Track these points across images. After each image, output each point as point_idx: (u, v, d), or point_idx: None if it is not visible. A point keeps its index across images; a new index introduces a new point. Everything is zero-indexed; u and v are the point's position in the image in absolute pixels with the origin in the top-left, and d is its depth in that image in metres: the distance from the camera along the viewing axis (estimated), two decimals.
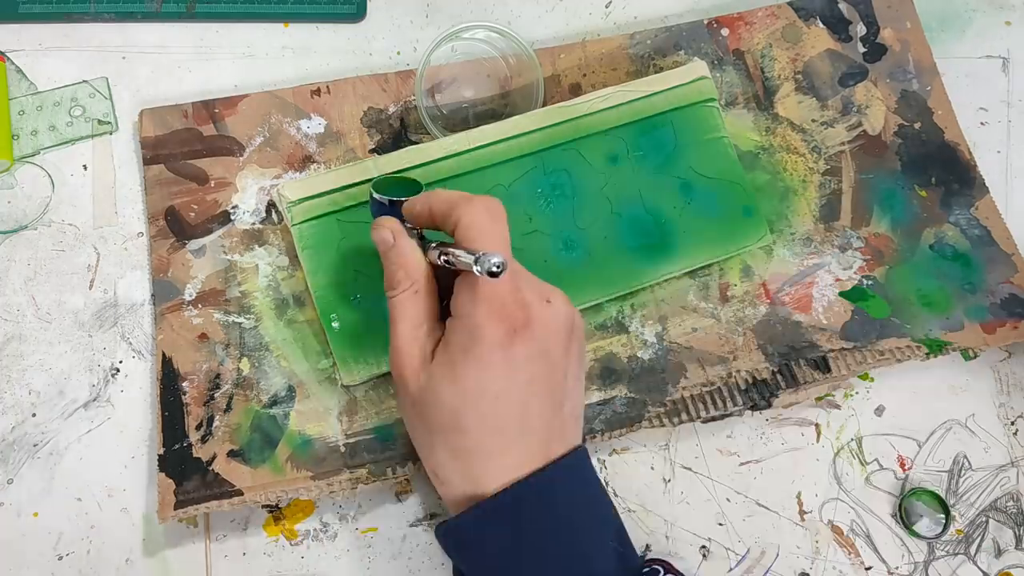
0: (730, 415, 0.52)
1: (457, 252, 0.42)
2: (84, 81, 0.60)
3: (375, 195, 0.48)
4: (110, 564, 0.50)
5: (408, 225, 0.47)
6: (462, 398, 0.41)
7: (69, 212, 0.57)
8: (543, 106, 0.56)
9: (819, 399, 0.54)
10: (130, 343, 0.54)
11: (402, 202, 0.47)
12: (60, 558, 0.50)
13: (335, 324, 0.52)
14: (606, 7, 0.64)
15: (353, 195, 0.53)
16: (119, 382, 0.53)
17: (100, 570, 0.50)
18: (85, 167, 0.58)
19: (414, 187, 0.49)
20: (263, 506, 0.51)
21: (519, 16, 0.63)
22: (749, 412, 0.53)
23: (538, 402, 0.43)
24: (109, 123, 0.59)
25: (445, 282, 0.45)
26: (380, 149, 0.57)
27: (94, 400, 0.53)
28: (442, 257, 0.43)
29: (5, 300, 0.55)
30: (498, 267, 0.39)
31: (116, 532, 0.51)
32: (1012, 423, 0.55)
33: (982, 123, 0.61)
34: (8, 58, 0.60)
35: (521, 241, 0.54)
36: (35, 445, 0.52)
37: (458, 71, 0.59)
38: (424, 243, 0.46)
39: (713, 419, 0.52)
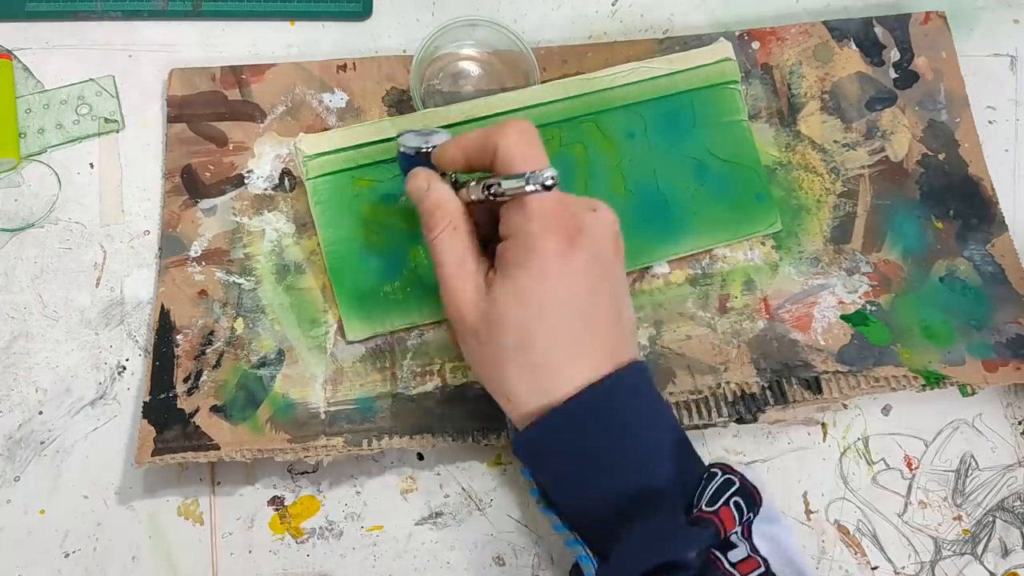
0: (713, 425, 0.52)
1: (502, 179, 0.42)
2: (91, 79, 0.60)
3: (402, 147, 0.48)
4: (116, 562, 0.51)
5: (440, 172, 0.47)
6: (528, 313, 0.42)
7: (76, 210, 0.57)
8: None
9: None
10: (136, 341, 0.54)
11: (429, 152, 0.47)
12: (66, 555, 0.51)
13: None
14: (612, 5, 0.64)
15: (369, 154, 0.54)
16: (125, 380, 0.54)
17: (106, 568, 0.50)
18: (92, 165, 0.58)
19: (438, 136, 0.48)
20: (269, 503, 0.52)
21: (525, 14, 0.63)
22: (734, 425, 0.53)
23: (602, 309, 0.43)
24: (116, 121, 0.59)
25: (480, 219, 0.46)
26: None
27: (100, 398, 0.53)
28: (487, 190, 0.43)
29: (12, 298, 0.55)
30: (552, 179, 0.40)
31: (122, 530, 0.51)
32: (1020, 423, 0.55)
33: (990, 122, 0.61)
34: (15, 56, 0.60)
35: None
36: (42, 443, 0.52)
37: (457, 65, 0.59)
38: (457, 185, 0.46)
39: (696, 427, 0.52)
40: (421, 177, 0.46)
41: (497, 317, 0.42)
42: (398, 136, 0.48)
